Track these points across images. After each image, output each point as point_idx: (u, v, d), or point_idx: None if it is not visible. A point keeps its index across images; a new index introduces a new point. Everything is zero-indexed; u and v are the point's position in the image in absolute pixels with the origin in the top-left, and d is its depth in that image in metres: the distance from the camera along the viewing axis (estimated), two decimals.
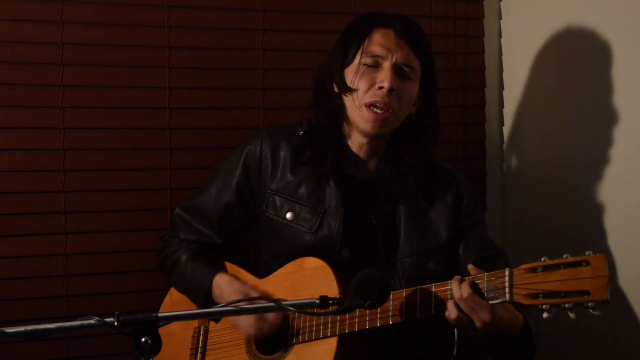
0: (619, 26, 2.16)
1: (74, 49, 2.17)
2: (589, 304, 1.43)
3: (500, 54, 2.62)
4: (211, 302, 1.92)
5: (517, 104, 2.56)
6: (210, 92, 2.31)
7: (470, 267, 1.66)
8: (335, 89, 1.91)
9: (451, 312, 1.62)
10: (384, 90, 1.83)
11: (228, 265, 2.03)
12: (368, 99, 1.84)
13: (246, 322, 1.84)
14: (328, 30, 2.30)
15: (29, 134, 2.16)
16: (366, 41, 1.86)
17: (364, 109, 1.84)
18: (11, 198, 2.15)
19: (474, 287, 1.60)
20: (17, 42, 2.13)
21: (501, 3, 2.61)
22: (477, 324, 1.61)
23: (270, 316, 1.83)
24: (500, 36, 2.62)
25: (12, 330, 1.30)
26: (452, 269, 1.91)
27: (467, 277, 1.63)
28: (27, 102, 2.14)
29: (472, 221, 1.97)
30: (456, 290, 1.61)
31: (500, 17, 2.62)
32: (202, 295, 1.93)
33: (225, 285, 1.90)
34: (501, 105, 2.63)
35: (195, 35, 2.28)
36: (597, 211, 2.23)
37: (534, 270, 1.51)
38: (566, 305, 1.45)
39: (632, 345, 2.14)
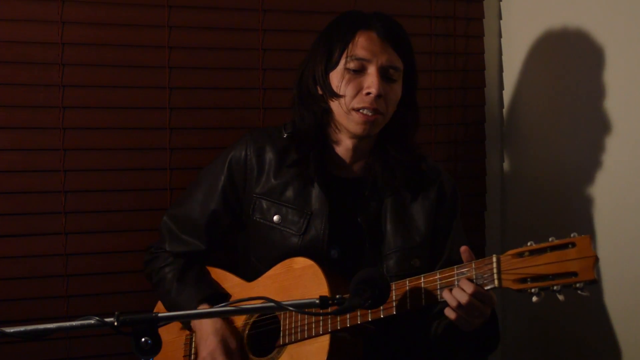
0: (619, 26, 2.16)
1: (74, 49, 2.17)
2: (577, 285, 1.45)
3: (500, 54, 2.62)
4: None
5: (517, 104, 2.56)
6: (210, 92, 2.31)
7: (463, 249, 1.65)
8: (319, 92, 1.90)
9: (450, 314, 1.63)
10: (371, 96, 1.83)
11: (216, 270, 2.02)
12: (356, 104, 1.84)
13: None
14: None
15: (29, 134, 2.16)
16: (350, 45, 1.85)
17: (353, 112, 1.85)
18: (11, 198, 2.15)
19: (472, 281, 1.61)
20: (17, 42, 2.13)
21: (501, 3, 2.61)
22: (479, 319, 1.63)
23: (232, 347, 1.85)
24: (500, 36, 2.62)
25: (12, 330, 1.30)
26: (432, 266, 1.91)
27: (455, 267, 1.63)
28: (27, 102, 2.14)
29: (450, 221, 1.97)
30: (461, 295, 1.60)
31: (500, 17, 2.62)
32: (186, 322, 1.94)
33: (205, 322, 1.88)
34: (501, 105, 2.63)
35: (195, 35, 2.28)
36: (596, 211, 2.23)
37: (520, 255, 1.52)
38: (555, 288, 1.47)
39: (624, 345, 2.14)
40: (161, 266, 2.02)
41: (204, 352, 1.86)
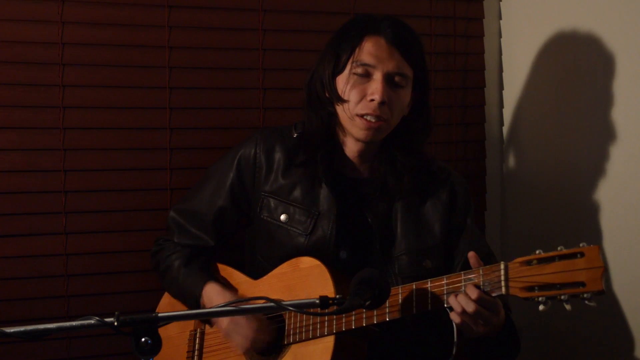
0: (619, 26, 2.16)
1: (74, 49, 2.17)
2: (585, 295, 1.45)
3: (500, 54, 2.62)
4: None
5: (517, 104, 2.56)
6: (210, 92, 2.31)
7: (471, 254, 1.66)
8: (327, 95, 1.90)
9: (456, 318, 1.63)
10: (375, 102, 1.82)
11: (223, 267, 2.02)
12: (360, 110, 1.84)
13: (242, 335, 1.84)
14: (328, 30, 2.28)
15: (29, 134, 2.16)
16: (357, 50, 1.84)
17: (356, 118, 1.84)
18: (11, 198, 2.15)
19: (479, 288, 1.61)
20: (17, 42, 2.13)
21: (501, 3, 2.61)
22: (485, 327, 1.64)
23: (266, 332, 1.84)
24: (500, 36, 2.62)
25: (12, 330, 1.30)
26: (448, 268, 1.92)
27: (462, 273, 1.63)
28: (27, 102, 2.14)
29: (464, 220, 1.97)
30: (465, 301, 1.61)
31: (500, 17, 2.62)
32: (193, 304, 1.93)
33: (216, 296, 1.89)
34: (501, 105, 2.63)
35: (195, 35, 2.28)
36: (596, 211, 2.23)
37: (529, 263, 1.52)
38: (562, 297, 1.47)
39: (628, 350, 2.14)
40: (168, 254, 2.02)
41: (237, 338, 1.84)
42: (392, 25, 1.87)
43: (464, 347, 1.78)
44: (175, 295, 2.01)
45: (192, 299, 1.93)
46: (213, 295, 1.90)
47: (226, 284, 1.97)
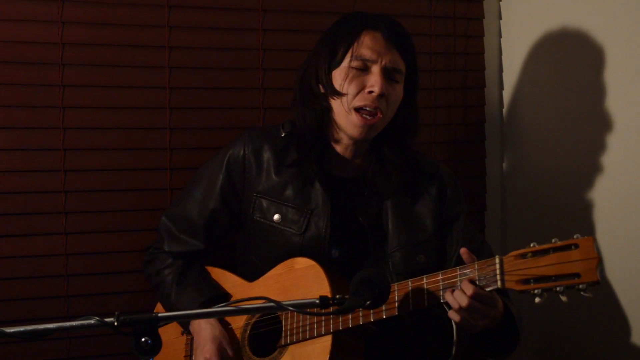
0: (618, 26, 2.16)
1: (74, 49, 2.17)
2: (580, 286, 1.45)
3: (500, 54, 2.62)
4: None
5: (517, 104, 2.56)
6: (210, 92, 2.31)
7: (463, 250, 1.66)
8: (322, 90, 1.90)
9: (454, 316, 1.63)
10: (374, 94, 1.83)
11: (216, 270, 2.02)
12: (357, 102, 1.84)
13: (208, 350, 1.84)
14: None
15: (29, 134, 2.16)
16: (355, 44, 1.85)
17: (353, 113, 1.84)
18: (11, 198, 2.15)
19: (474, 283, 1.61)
20: (17, 42, 2.13)
21: (501, 3, 2.61)
22: (484, 321, 1.63)
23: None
24: (500, 36, 2.62)
25: (12, 330, 1.30)
26: (441, 261, 1.93)
27: (458, 268, 1.63)
28: (27, 102, 2.15)
29: (455, 212, 1.98)
30: (461, 297, 1.60)
31: (500, 17, 2.62)
32: (185, 326, 1.94)
33: (204, 328, 1.88)
34: (501, 105, 2.63)
35: (195, 35, 2.28)
36: (596, 211, 2.23)
37: (523, 256, 1.53)
38: (557, 289, 1.47)
39: (626, 344, 2.14)
40: (160, 268, 2.01)
41: (207, 342, 1.85)
42: (387, 22, 1.89)
43: (465, 343, 1.78)
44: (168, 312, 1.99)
45: (184, 323, 1.94)
46: (201, 327, 1.89)
47: (221, 294, 1.96)
